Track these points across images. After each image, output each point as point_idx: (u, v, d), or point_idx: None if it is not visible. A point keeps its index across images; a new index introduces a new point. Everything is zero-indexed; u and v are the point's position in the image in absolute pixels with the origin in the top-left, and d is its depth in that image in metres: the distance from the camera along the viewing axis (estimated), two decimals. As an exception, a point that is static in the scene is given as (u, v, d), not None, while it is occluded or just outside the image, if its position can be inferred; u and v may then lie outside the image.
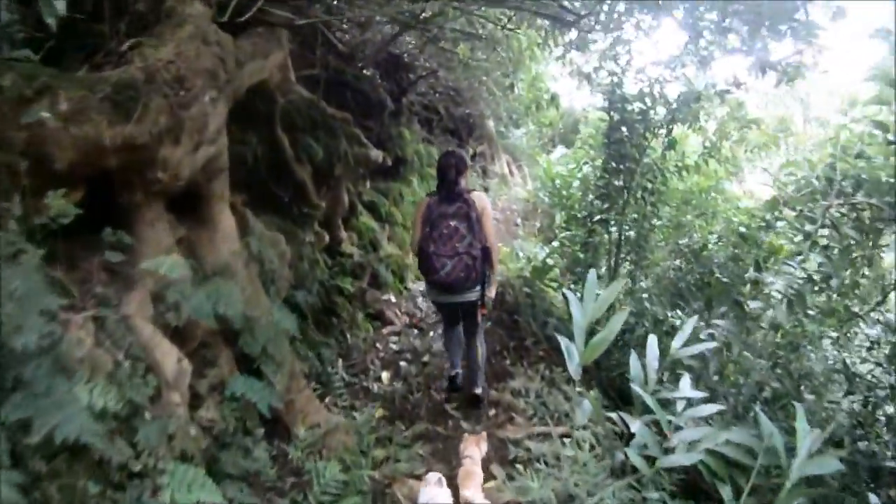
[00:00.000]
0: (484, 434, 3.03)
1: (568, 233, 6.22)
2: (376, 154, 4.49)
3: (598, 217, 5.55)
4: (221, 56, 2.24)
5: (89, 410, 1.57)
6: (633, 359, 2.81)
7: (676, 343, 2.86)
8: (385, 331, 4.84)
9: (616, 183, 5.40)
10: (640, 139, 5.25)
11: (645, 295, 5.21)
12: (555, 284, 6.26)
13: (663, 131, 5.22)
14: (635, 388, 2.65)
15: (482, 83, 7.92)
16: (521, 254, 6.80)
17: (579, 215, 5.81)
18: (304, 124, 3.61)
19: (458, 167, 3.23)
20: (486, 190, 11.47)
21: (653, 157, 5.34)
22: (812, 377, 3.79)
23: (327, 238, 3.99)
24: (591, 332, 2.42)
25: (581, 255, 5.85)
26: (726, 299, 4.47)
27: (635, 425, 2.43)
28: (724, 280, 6.26)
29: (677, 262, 6.44)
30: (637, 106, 5.30)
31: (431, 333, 5.06)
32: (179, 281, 2.25)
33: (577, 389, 3.69)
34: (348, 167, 3.96)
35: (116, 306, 2.20)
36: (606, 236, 5.67)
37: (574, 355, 2.50)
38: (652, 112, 5.20)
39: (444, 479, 2.58)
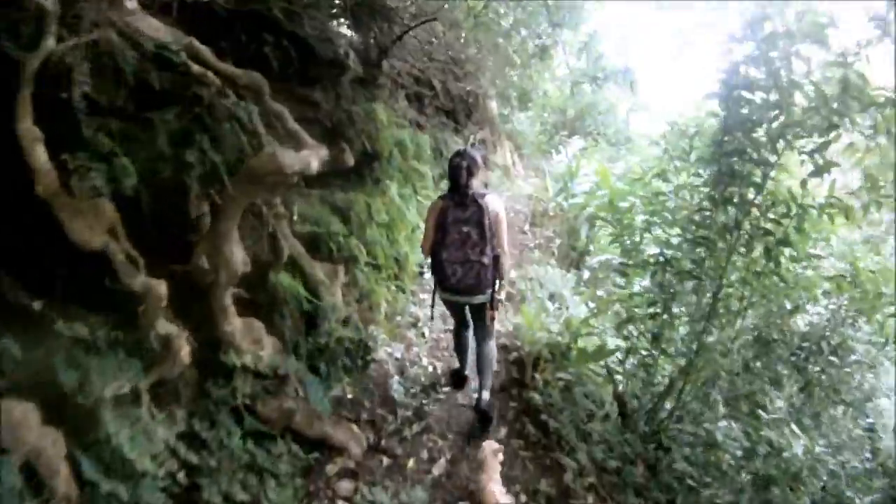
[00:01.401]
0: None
1: (622, 278, 4.13)
2: (306, 156, 2.27)
3: (682, 266, 3.49)
4: None
5: None
6: None
7: None
8: (330, 469, 2.70)
9: (721, 219, 3.33)
10: (767, 153, 3.18)
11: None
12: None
13: (807, 143, 3.13)
14: None
15: (495, 48, 5.60)
16: (547, 301, 4.67)
17: (650, 261, 3.71)
18: (115, 98, 1.42)
19: (469, 169, 3.08)
20: (485, 185, 9.29)
21: (784, 185, 3.27)
22: None
23: (184, 350, 1.81)
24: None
25: (638, 311, 3.83)
26: None
27: None
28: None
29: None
30: (760, 96, 3.23)
31: (411, 462, 2.98)
32: None
33: None
34: (229, 190, 1.75)
35: None
36: (693, 293, 3.60)
37: None
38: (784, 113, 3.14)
39: None
